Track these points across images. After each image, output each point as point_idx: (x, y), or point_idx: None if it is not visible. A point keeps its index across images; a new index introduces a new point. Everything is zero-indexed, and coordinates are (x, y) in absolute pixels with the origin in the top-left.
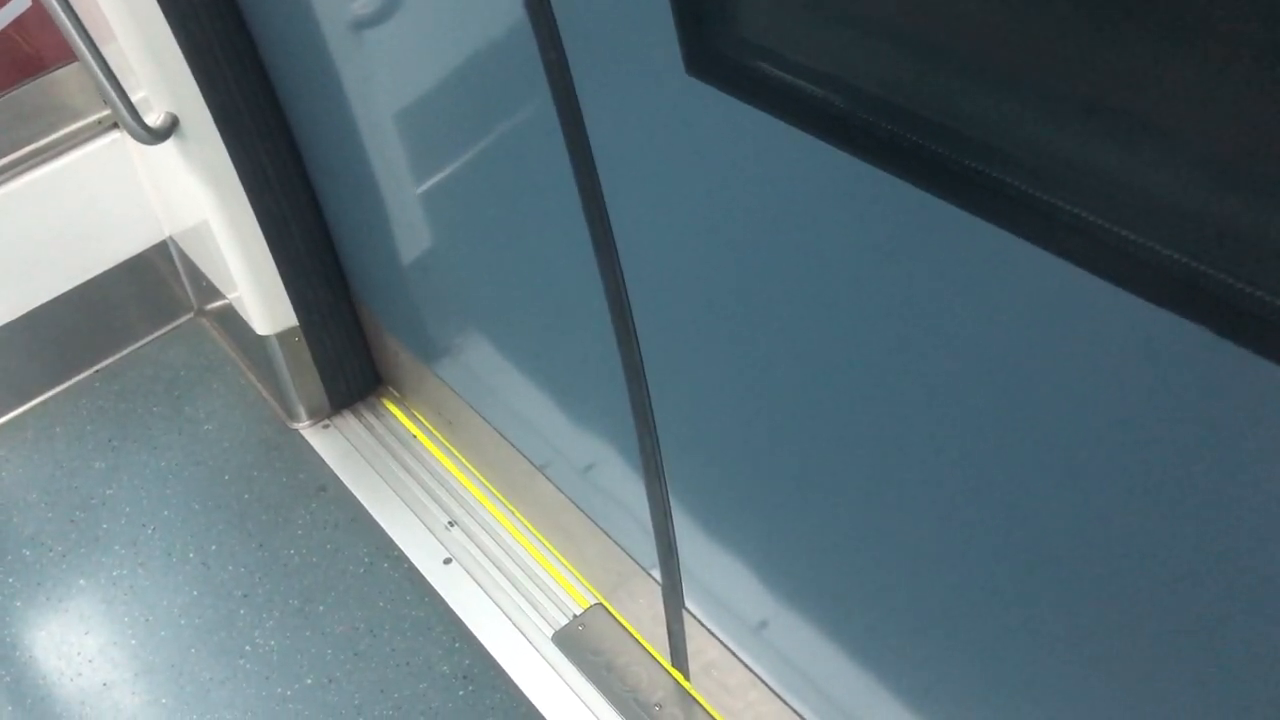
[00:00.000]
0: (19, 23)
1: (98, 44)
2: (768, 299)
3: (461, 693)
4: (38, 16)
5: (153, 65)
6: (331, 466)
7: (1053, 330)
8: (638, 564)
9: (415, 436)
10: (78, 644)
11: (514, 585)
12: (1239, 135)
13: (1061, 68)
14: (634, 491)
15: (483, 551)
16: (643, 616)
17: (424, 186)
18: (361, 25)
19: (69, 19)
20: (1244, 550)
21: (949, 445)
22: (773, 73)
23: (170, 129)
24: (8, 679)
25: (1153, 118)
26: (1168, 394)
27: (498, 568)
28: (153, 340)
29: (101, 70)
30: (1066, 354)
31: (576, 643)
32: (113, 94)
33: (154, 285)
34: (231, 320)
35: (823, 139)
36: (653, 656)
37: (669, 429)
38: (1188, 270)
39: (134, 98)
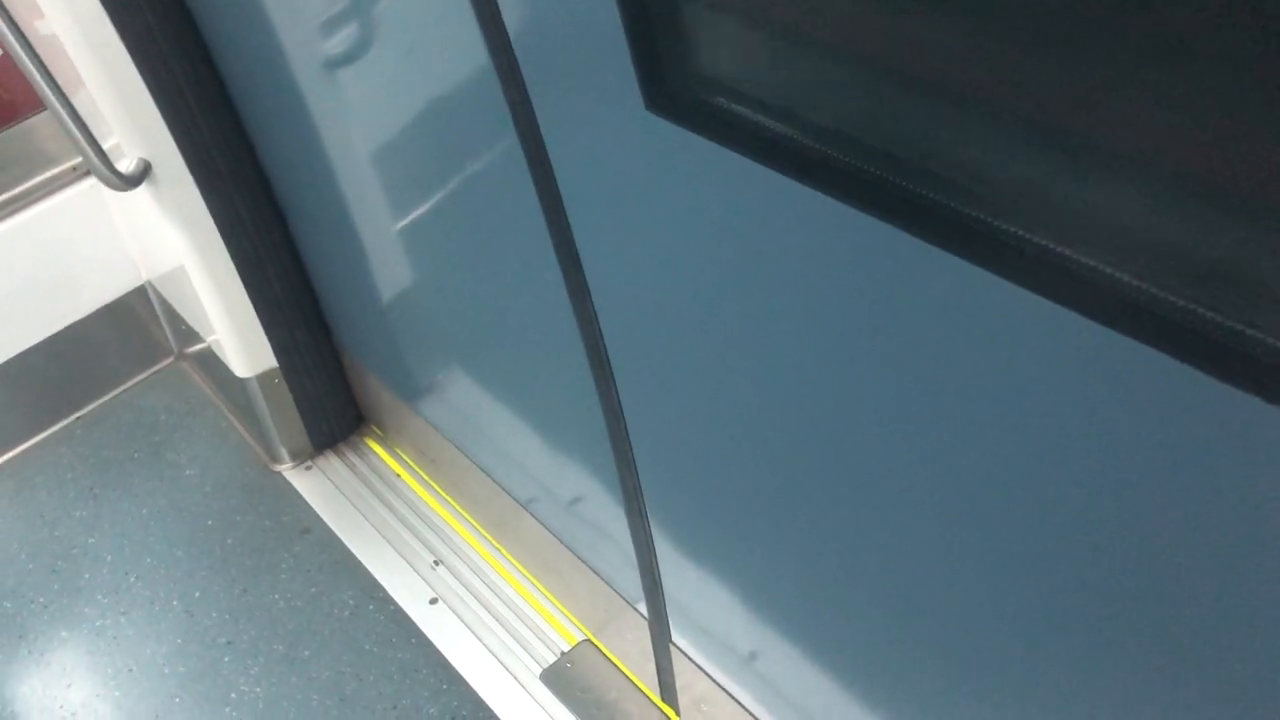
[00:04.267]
0: None
1: (67, 92)
2: (739, 333)
3: None
4: (11, 63)
5: (123, 112)
6: (315, 508)
7: (1025, 356)
8: (624, 599)
9: (399, 475)
10: (60, 698)
11: (501, 624)
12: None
13: (1020, 98)
14: (618, 527)
15: (469, 590)
16: (631, 652)
17: (398, 226)
18: (331, 69)
19: (35, 67)
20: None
21: (925, 467)
22: (730, 108)
23: (143, 175)
24: None
25: (1126, 158)
26: (1123, 409)
27: (484, 606)
28: (133, 385)
29: (71, 118)
30: (1039, 380)
31: (565, 680)
32: (83, 142)
33: (133, 330)
34: (211, 363)
35: (782, 172)
36: (642, 692)
37: (649, 464)
38: (1146, 294)
39: (105, 145)
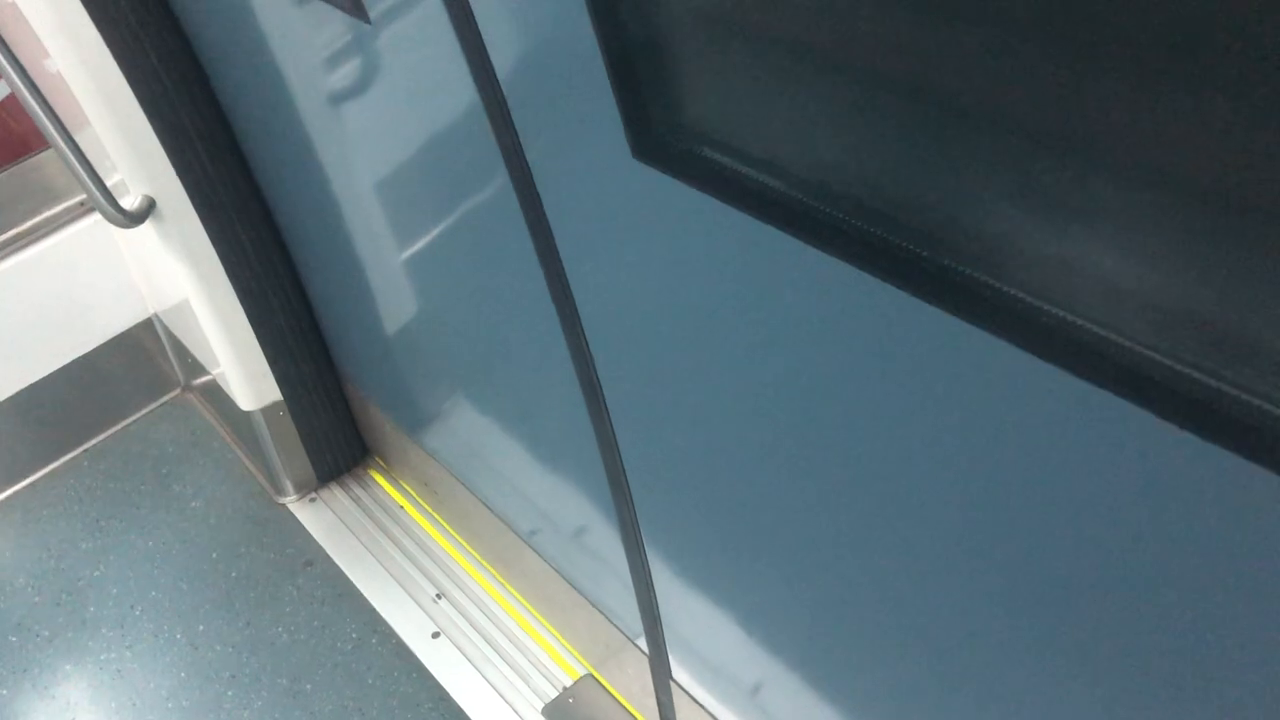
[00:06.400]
0: (3, 105)
1: (71, 129)
2: (727, 372)
3: None
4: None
5: (128, 149)
6: (319, 540)
7: (1008, 410)
8: (624, 635)
9: (402, 507)
10: None
11: (503, 658)
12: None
13: (1007, 153)
14: (616, 561)
15: (471, 624)
16: (632, 687)
17: (399, 263)
18: (333, 108)
19: (40, 105)
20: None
21: (919, 496)
22: (713, 157)
23: (147, 211)
24: None
25: (1107, 221)
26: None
27: (486, 640)
28: (141, 417)
29: (75, 156)
30: (1024, 432)
31: (567, 715)
32: (87, 179)
33: (141, 362)
34: (217, 395)
35: (764, 221)
36: None
37: (645, 499)
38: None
39: (109, 181)
